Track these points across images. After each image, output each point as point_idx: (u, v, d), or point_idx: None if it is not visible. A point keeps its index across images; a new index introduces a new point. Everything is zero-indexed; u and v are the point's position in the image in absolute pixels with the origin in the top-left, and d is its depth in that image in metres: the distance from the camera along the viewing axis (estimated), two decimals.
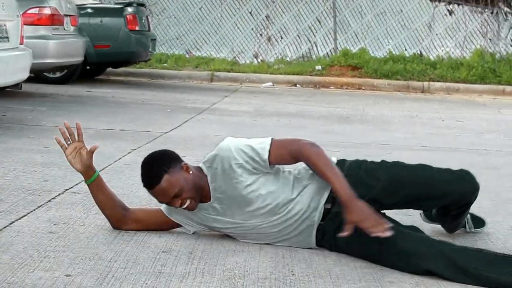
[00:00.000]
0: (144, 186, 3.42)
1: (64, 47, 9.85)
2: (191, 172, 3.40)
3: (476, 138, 7.72)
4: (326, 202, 3.36)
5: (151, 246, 3.38)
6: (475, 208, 4.44)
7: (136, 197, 4.31)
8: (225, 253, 3.35)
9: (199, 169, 3.46)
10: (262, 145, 3.37)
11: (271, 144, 3.36)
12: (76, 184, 4.55)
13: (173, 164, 3.40)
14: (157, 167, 3.37)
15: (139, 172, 5.01)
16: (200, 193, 3.39)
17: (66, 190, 4.42)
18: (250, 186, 3.33)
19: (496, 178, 5.57)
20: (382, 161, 3.58)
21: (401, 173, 3.45)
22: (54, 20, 9.55)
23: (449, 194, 3.42)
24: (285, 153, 3.34)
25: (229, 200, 3.38)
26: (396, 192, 3.40)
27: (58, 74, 11.39)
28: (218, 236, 3.58)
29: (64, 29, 9.87)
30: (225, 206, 3.39)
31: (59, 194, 4.30)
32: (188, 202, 3.34)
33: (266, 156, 3.33)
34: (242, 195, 3.34)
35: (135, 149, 5.96)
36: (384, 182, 3.39)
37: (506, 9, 15.39)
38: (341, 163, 3.48)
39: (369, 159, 3.61)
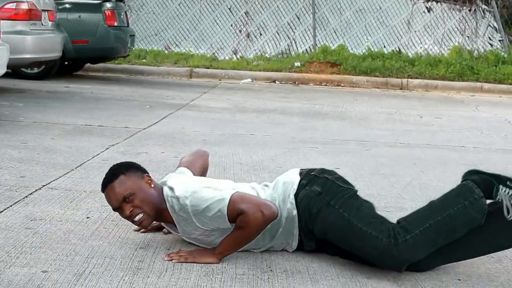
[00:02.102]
0: (101, 190, 3.29)
1: (42, 42, 9.79)
2: (152, 185, 3.27)
3: (454, 135, 7.76)
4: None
5: (128, 243, 3.37)
6: None
7: None
8: None
9: (161, 191, 3.30)
10: (219, 213, 3.14)
11: (227, 210, 3.13)
12: (54, 180, 4.53)
13: (134, 170, 3.29)
14: (116, 170, 3.27)
15: None
16: (158, 213, 3.25)
17: (44, 186, 4.39)
18: (213, 236, 3.27)
19: None
20: (339, 200, 3.27)
21: (332, 232, 3.27)
22: (31, 15, 9.49)
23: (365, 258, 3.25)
24: (239, 205, 3.13)
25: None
26: (330, 241, 3.34)
27: (35, 70, 11.32)
28: None
29: (41, 24, 9.81)
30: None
31: (36, 190, 4.27)
32: (140, 216, 3.20)
33: (228, 224, 3.15)
34: (204, 240, 3.30)
35: (113, 145, 5.94)
36: (317, 232, 3.31)
37: (484, 6, 15.47)
38: (311, 179, 3.36)
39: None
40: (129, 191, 3.18)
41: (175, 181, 3.31)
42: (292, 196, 3.30)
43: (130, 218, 3.22)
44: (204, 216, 3.15)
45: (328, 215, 3.24)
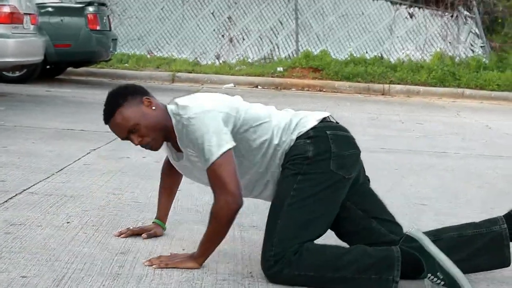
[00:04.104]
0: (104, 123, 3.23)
1: (24, 46, 9.73)
2: (153, 108, 3.15)
3: (435, 141, 7.79)
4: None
5: (108, 248, 3.36)
6: (432, 211, 4.50)
7: (95, 197, 4.28)
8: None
9: (165, 109, 3.18)
10: (211, 151, 2.98)
11: (218, 158, 2.96)
12: (34, 185, 4.51)
13: (130, 97, 3.15)
14: (112, 101, 3.17)
15: (99, 172, 5.00)
16: (165, 133, 3.14)
17: (24, 190, 4.37)
18: None
19: (453, 180, 5.63)
20: (310, 182, 3.03)
21: (271, 195, 3.17)
22: (13, 18, 9.43)
23: None
24: (214, 176, 2.99)
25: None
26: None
27: (17, 73, 11.29)
28: (177, 237, 3.57)
29: (23, 27, 9.76)
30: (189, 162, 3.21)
31: (16, 195, 4.25)
32: (149, 142, 3.14)
33: (208, 164, 2.98)
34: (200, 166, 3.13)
35: (94, 149, 5.92)
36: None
37: (465, 13, 15.56)
38: (318, 137, 3.09)
39: None
40: (132, 122, 3.10)
41: (183, 98, 3.18)
42: (293, 138, 3.09)
43: (139, 144, 3.17)
44: (194, 144, 3.03)
45: (283, 182, 3.07)
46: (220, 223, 3.01)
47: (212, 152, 2.96)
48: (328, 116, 3.21)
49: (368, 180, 3.28)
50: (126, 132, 3.15)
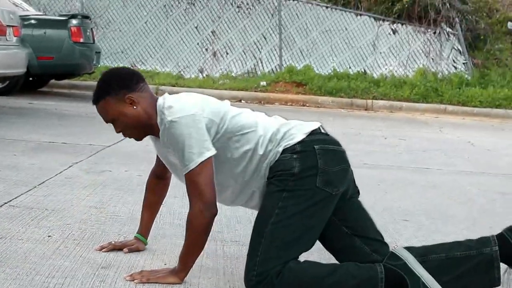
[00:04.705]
0: None
1: (6, 57, 9.70)
2: (135, 107, 3.10)
3: (418, 156, 7.81)
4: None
5: (90, 262, 3.33)
6: (414, 226, 4.50)
7: (77, 211, 4.25)
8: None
9: (153, 103, 3.12)
10: (191, 157, 2.94)
11: (198, 165, 2.94)
12: (15, 198, 4.47)
13: (116, 90, 3.10)
14: (101, 87, 3.14)
15: (81, 186, 4.97)
16: (146, 129, 3.14)
17: (5, 203, 4.33)
18: None
19: (436, 196, 5.65)
20: (295, 199, 2.96)
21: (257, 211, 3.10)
22: None
23: None
24: (191, 183, 2.97)
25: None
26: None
27: None
28: (159, 251, 3.55)
29: (6, 39, 9.73)
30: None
31: None
32: (128, 134, 3.19)
33: (187, 170, 2.96)
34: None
35: (76, 162, 5.89)
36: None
37: (448, 29, 15.66)
38: (305, 152, 3.01)
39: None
40: (110, 117, 3.14)
41: (172, 97, 3.13)
42: (279, 150, 3.02)
43: (118, 133, 3.20)
44: (175, 147, 3.01)
45: (268, 197, 3.01)
46: (196, 232, 2.98)
47: (192, 159, 2.94)
48: (319, 127, 3.13)
49: (358, 192, 3.21)
50: (107, 121, 3.20)
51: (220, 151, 3.02)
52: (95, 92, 3.16)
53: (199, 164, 2.93)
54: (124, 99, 3.10)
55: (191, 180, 2.96)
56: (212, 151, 2.96)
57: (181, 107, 3.02)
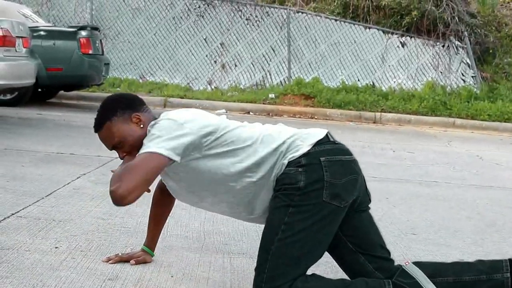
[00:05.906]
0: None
1: (15, 68, 9.73)
2: (141, 126, 3.08)
3: (426, 170, 7.79)
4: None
5: (97, 273, 3.33)
6: (422, 240, 4.48)
7: (84, 222, 4.25)
8: (173, 281, 3.31)
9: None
10: (149, 145, 2.91)
11: (153, 152, 2.88)
12: (23, 209, 4.47)
13: (120, 112, 3.10)
14: (103, 112, 3.14)
15: (88, 197, 4.97)
16: None
17: (12, 214, 4.33)
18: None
19: (444, 209, 5.62)
20: (302, 214, 2.89)
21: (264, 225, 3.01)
22: (5, 41, 9.43)
23: None
24: (134, 165, 2.90)
25: None
26: None
27: (8, 96, 11.26)
28: (166, 263, 3.54)
29: (15, 50, 9.76)
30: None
31: (4, 219, 4.21)
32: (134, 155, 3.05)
33: (142, 150, 2.93)
34: None
35: (84, 174, 5.90)
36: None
37: (457, 43, 15.65)
38: (311, 165, 2.93)
39: None
40: (116, 139, 3.09)
41: (173, 111, 3.10)
42: (285, 162, 2.95)
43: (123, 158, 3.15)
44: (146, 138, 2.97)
45: (274, 212, 2.92)
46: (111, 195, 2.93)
47: (149, 146, 2.89)
48: (326, 135, 3.06)
49: (370, 199, 3.11)
50: (111, 146, 3.15)
51: (213, 167, 2.97)
52: (98, 117, 3.15)
53: (155, 152, 2.86)
54: (130, 118, 3.10)
55: (136, 163, 2.88)
56: (174, 155, 2.87)
57: (173, 115, 3.00)
